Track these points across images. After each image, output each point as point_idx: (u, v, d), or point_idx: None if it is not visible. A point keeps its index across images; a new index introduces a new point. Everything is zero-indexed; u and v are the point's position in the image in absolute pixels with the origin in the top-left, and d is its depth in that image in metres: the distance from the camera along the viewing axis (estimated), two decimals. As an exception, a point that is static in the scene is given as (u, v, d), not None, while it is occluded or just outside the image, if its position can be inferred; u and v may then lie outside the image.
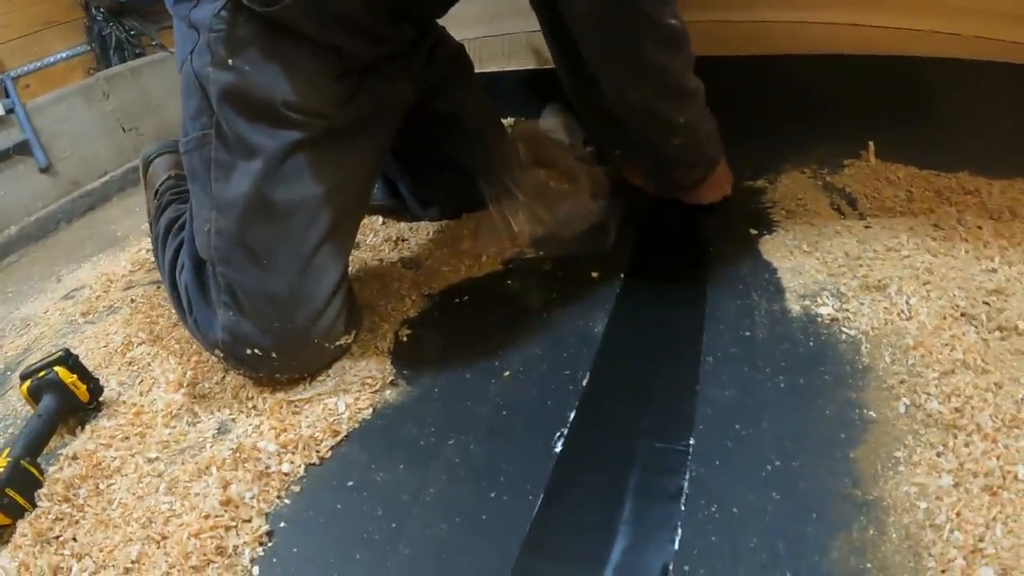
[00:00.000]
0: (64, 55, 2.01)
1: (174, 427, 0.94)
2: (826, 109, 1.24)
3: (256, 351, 0.92)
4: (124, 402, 1.02)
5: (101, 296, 1.40)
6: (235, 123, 0.89)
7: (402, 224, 1.24)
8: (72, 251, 1.73)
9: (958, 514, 0.69)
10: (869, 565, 0.66)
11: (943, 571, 0.65)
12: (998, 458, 0.73)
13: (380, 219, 1.27)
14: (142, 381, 1.05)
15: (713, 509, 0.71)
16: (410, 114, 1.09)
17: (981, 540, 0.66)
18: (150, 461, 0.89)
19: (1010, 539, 0.67)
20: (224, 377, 1.01)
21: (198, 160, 0.93)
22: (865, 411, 0.80)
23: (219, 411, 0.95)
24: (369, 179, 1.04)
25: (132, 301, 1.32)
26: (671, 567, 0.67)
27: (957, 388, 0.80)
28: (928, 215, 1.07)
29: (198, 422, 0.94)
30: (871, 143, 1.21)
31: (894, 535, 0.68)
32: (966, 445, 0.75)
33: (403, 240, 1.20)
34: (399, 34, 1.01)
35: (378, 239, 1.22)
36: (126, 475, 0.87)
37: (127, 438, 0.94)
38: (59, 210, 1.90)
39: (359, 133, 0.96)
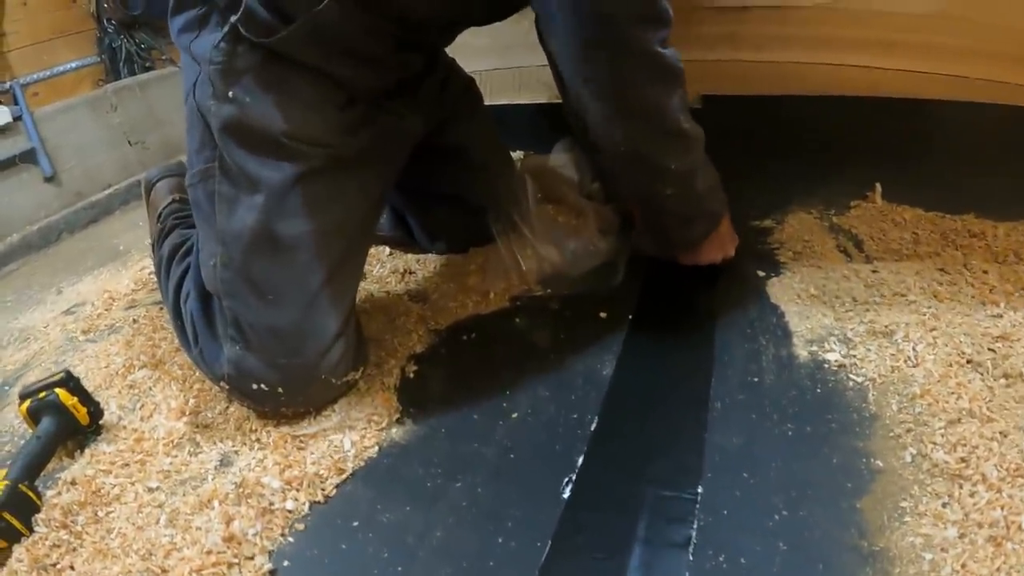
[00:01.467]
0: (74, 65, 2.02)
1: (175, 456, 0.93)
2: (833, 150, 1.26)
3: (262, 386, 0.91)
4: (124, 427, 1.00)
5: (103, 314, 1.38)
6: (237, 155, 0.88)
7: (409, 256, 1.23)
8: (73, 263, 1.72)
9: (963, 566, 0.69)
10: (875, 619, 0.66)
11: (949, 626, 0.65)
12: (1003, 508, 0.73)
13: (387, 250, 1.27)
14: (143, 406, 1.04)
15: (721, 559, 0.71)
16: (418, 146, 1.08)
17: (986, 594, 0.67)
18: (150, 491, 0.88)
19: (1015, 593, 0.67)
20: (227, 407, 1.00)
21: (202, 193, 0.93)
22: (872, 460, 0.80)
23: (222, 442, 0.93)
24: (376, 211, 1.03)
25: (134, 321, 1.30)
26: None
27: (963, 438, 0.80)
28: (934, 259, 1.08)
29: (200, 452, 0.93)
30: (878, 184, 1.22)
31: (900, 588, 0.68)
32: (971, 495, 0.75)
33: (410, 272, 1.20)
34: (405, 64, 1.00)
35: (384, 270, 1.21)
36: (125, 503, 0.86)
37: (127, 465, 0.92)
38: (62, 220, 1.89)
39: (365, 164, 0.95)
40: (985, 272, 1.06)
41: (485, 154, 1.18)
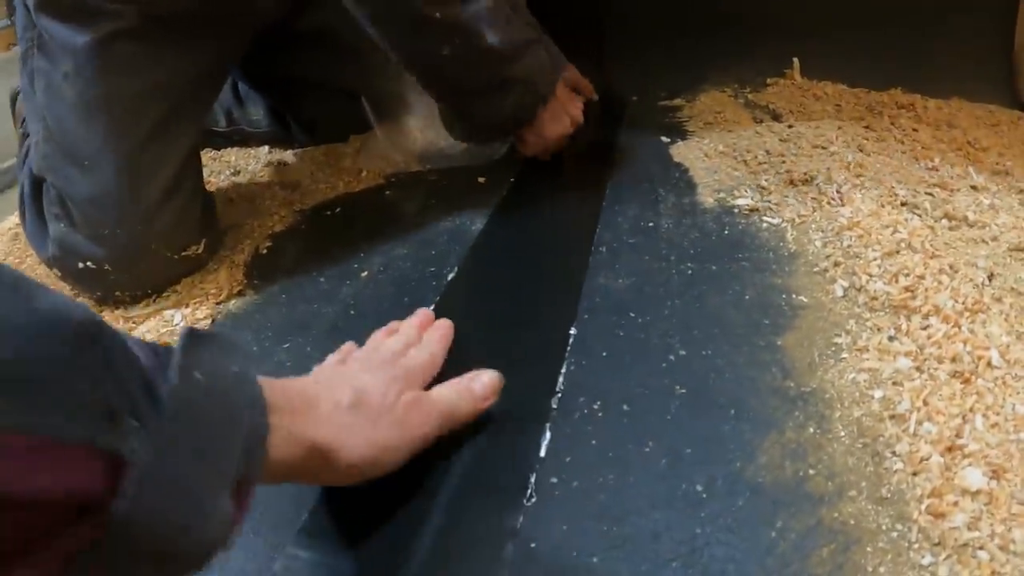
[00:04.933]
0: (-16, 31, 1.74)
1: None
2: (746, 26, 1.00)
3: (89, 263, 0.71)
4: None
5: (-14, 250, 1.14)
6: (51, 28, 0.71)
7: (289, 152, 0.98)
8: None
9: (925, 402, 0.44)
10: (812, 471, 0.41)
11: (915, 473, 0.40)
12: (965, 343, 0.48)
13: (267, 148, 1.01)
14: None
15: (596, 407, 0.46)
16: (283, 35, 0.87)
17: (959, 435, 0.42)
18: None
19: (996, 434, 0.42)
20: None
21: (26, 78, 0.75)
22: (794, 296, 0.55)
23: (59, 339, 0.71)
24: (208, 82, 0.80)
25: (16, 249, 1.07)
26: (532, 479, 0.41)
27: (905, 267, 0.56)
28: (859, 121, 0.84)
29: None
30: (796, 60, 0.97)
31: (843, 433, 0.43)
32: (924, 328, 0.51)
33: (285, 164, 0.94)
34: None
35: (259, 165, 0.96)
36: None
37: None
38: (-24, 190, 1.62)
39: (193, 30, 0.74)
40: (915, 130, 0.83)
41: (356, 35, 0.93)
